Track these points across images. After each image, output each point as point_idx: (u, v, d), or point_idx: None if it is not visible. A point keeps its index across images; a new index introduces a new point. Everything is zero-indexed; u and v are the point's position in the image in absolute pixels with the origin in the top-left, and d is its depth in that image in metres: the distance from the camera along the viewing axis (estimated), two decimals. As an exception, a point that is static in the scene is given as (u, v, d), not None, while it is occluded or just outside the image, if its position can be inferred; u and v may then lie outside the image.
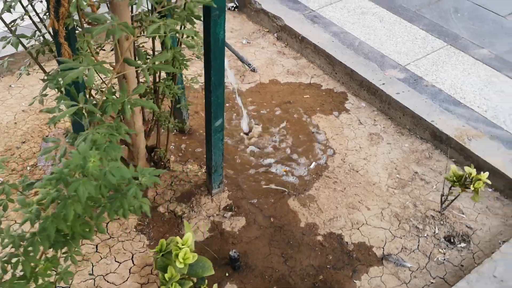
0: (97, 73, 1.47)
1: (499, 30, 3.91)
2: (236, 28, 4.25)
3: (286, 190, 2.87)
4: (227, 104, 3.46)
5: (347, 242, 2.61)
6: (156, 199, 2.84)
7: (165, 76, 2.55)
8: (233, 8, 4.45)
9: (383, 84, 3.38)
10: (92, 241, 2.62)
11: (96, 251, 2.57)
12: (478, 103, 3.22)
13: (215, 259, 2.52)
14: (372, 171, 2.99)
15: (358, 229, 2.68)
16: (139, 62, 1.72)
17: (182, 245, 1.59)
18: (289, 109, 3.44)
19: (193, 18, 2.09)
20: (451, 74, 3.46)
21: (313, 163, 3.05)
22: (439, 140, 3.09)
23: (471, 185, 2.19)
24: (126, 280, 2.45)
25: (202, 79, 3.69)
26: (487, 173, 2.22)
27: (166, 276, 1.54)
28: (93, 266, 2.50)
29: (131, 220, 2.73)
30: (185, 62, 2.38)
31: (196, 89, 3.61)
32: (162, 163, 2.96)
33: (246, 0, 4.33)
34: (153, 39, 2.40)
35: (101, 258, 2.54)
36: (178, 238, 1.63)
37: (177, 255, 1.53)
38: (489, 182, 2.23)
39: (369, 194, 2.86)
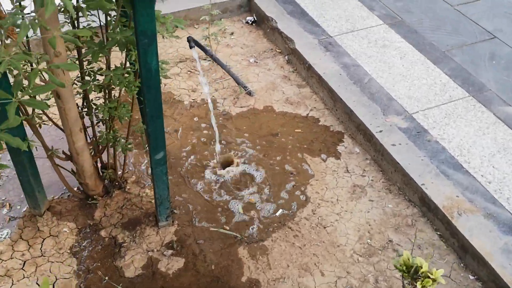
0: None
1: (537, 86, 3.41)
2: (248, 45, 4.00)
3: (239, 236, 2.61)
4: (204, 130, 3.23)
5: (286, 310, 2.32)
6: (102, 220, 2.67)
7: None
8: (251, 22, 4.21)
9: (380, 131, 3.01)
10: (21, 256, 2.49)
11: (22, 268, 2.44)
12: (484, 171, 2.79)
13: (135, 302, 2.31)
14: (341, 230, 2.66)
15: (304, 296, 2.37)
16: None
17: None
18: (274, 143, 3.16)
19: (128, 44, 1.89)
20: (463, 131, 3.04)
21: (280, 210, 2.76)
22: (427, 208, 2.70)
23: (419, 282, 1.82)
24: (39, 307, 2.29)
25: (195, 95, 3.49)
26: (441, 270, 1.84)
27: None
28: (12, 284, 2.37)
29: (68, 240, 2.57)
30: (132, 86, 2.19)
31: (184, 106, 3.40)
32: (117, 183, 2.79)
33: (264, 15, 4.07)
34: (107, 59, 2.22)
35: (24, 277, 2.40)
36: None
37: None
38: (443, 282, 1.86)
39: (329, 257, 2.53)
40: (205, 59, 3.77)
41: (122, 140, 2.56)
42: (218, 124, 3.26)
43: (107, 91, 2.33)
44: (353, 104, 3.21)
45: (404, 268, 1.92)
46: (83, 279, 2.40)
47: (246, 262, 2.50)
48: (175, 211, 2.72)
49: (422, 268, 1.84)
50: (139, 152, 3.04)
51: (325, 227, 2.68)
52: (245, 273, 2.46)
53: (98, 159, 2.66)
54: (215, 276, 2.43)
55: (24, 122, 2.23)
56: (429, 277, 1.80)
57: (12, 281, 2.38)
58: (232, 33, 4.11)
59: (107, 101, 2.29)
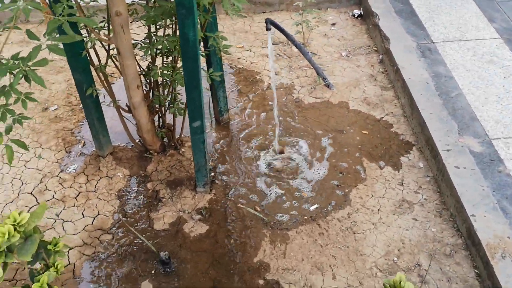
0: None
1: None
2: (346, 38, 3.92)
3: (266, 219, 2.65)
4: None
5: (284, 301, 2.32)
6: (152, 174, 2.90)
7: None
8: (357, 16, 4.10)
9: (448, 150, 2.78)
10: (78, 187, 2.83)
11: (75, 198, 2.78)
12: (554, 219, 2.43)
13: (152, 253, 2.50)
14: (370, 241, 2.54)
15: (307, 293, 2.35)
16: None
17: (14, 222, 1.62)
18: (336, 139, 3.10)
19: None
20: (546, 170, 2.67)
21: (315, 205, 2.73)
22: (472, 242, 2.45)
23: (400, 309, 1.70)
24: (76, 233, 2.60)
25: (276, 77, 3.54)
26: (428, 304, 1.70)
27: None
28: (63, 209, 2.72)
29: (119, 184, 2.86)
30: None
31: (262, 86, 3.49)
32: (173, 144, 3.00)
33: (370, 11, 3.93)
34: (166, 24, 2.39)
35: (74, 206, 2.74)
36: (16, 214, 1.66)
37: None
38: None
39: (348, 264, 2.45)
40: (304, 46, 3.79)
41: (181, 104, 2.74)
42: (288, 111, 3.29)
43: (169, 56, 2.51)
44: (429, 116, 2.99)
45: (393, 290, 1.80)
46: (118, 220, 2.66)
47: (263, 245, 2.54)
48: (216, 181, 2.84)
49: (406, 293, 1.72)
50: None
51: (354, 233, 2.59)
52: (259, 255, 2.50)
53: (160, 118, 2.89)
54: (230, 250, 2.52)
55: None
56: (410, 305, 1.68)
57: (64, 206, 2.74)
58: (333, 24, 4.06)
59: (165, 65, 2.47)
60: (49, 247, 1.83)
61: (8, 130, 1.93)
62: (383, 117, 3.25)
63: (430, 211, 2.69)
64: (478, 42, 3.56)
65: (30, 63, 1.65)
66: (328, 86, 3.44)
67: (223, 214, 2.68)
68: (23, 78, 1.66)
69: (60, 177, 2.89)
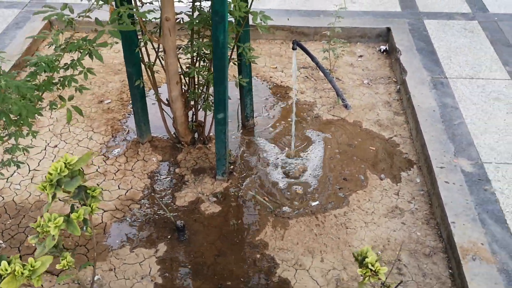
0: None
1: None
2: (370, 69, 4.34)
3: (271, 208, 3.04)
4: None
5: (275, 273, 2.68)
6: (181, 162, 3.38)
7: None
8: (382, 51, 4.53)
9: (441, 168, 3.11)
10: (118, 166, 3.34)
11: (114, 173, 3.29)
12: (527, 233, 2.70)
13: (171, 223, 2.94)
14: (359, 236, 2.89)
15: (296, 270, 2.70)
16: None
17: (65, 161, 2.11)
18: (345, 151, 3.48)
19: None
20: (529, 193, 2.94)
21: (316, 202, 3.11)
22: (450, 245, 2.75)
23: (360, 270, 2.04)
24: (111, 201, 3.10)
25: (301, 96, 3.99)
26: (385, 269, 2.02)
27: (47, 175, 2.10)
28: (103, 181, 3.23)
29: (152, 166, 3.35)
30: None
31: (287, 101, 3.94)
32: (202, 139, 3.48)
33: (394, 47, 4.35)
34: (205, 34, 2.91)
35: (112, 179, 3.25)
36: (67, 155, 2.15)
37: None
38: (383, 278, 2.02)
39: (336, 251, 2.80)
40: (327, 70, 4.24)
41: (212, 103, 3.22)
42: (307, 124, 3.72)
43: (206, 60, 3.02)
44: (430, 138, 3.34)
45: (359, 257, 2.15)
46: (147, 194, 3.14)
47: (266, 228, 2.93)
48: (234, 173, 3.28)
49: (368, 258, 2.06)
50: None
51: (347, 228, 2.94)
52: (261, 235, 2.89)
53: (194, 116, 3.38)
54: (236, 228, 2.93)
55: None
56: (370, 269, 2.02)
57: (104, 178, 3.25)
58: (360, 56, 4.49)
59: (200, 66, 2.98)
60: (88, 191, 2.31)
61: (71, 97, 2.46)
62: (391, 137, 3.61)
63: (419, 219, 3.00)
64: (488, 81, 3.89)
65: (94, 44, 2.19)
66: (346, 106, 3.85)
67: (235, 199, 3.11)
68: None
69: (104, 156, 3.42)
